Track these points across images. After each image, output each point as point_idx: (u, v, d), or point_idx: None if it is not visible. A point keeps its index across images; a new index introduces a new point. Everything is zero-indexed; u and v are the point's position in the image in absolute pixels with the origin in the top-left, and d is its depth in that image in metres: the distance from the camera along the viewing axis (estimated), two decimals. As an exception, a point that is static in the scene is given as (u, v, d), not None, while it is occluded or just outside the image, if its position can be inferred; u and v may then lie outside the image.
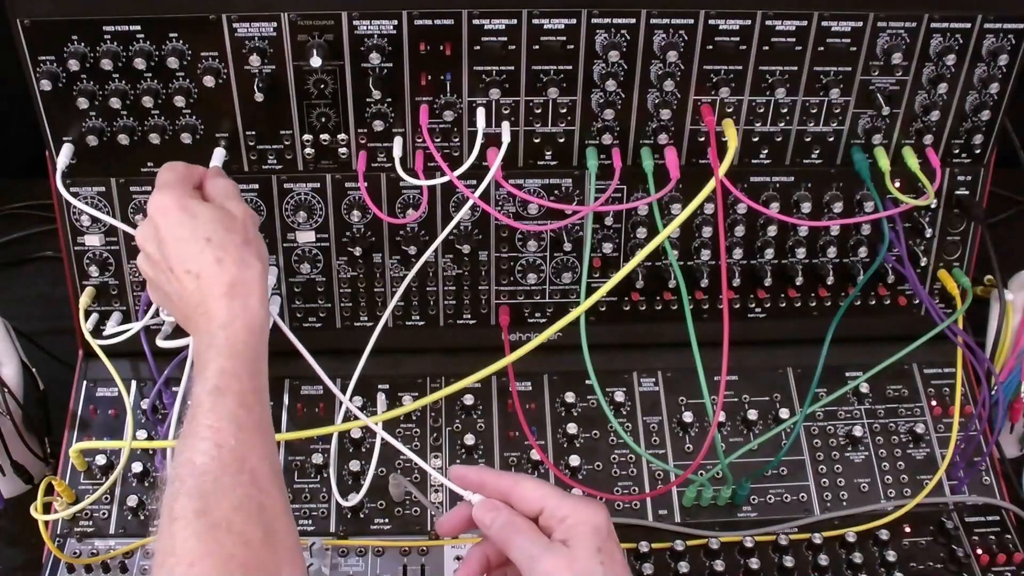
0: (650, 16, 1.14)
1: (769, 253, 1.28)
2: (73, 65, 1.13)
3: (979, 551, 1.20)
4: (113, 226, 1.23)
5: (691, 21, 1.15)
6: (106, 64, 1.13)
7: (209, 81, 1.14)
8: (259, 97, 1.16)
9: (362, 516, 1.21)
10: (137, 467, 1.21)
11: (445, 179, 1.18)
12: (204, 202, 1.03)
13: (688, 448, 1.27)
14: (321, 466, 1.23)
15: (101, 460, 1.22)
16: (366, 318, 1.31)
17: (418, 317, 1.32)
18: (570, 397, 1.28)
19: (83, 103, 1.15)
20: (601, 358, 1.19)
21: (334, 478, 1.22)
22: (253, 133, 1.20)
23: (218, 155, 1.18)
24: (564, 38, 1.15)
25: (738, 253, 1.28)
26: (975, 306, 1.32)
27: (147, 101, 1.15)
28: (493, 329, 1.31)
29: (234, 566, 0.80)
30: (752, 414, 1.28)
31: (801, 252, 1.30)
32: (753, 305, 1.34)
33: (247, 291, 0.98)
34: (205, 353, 0.94)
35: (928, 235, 1.30)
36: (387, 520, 1.21)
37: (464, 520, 0.92)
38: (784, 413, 1.28)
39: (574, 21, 1.15)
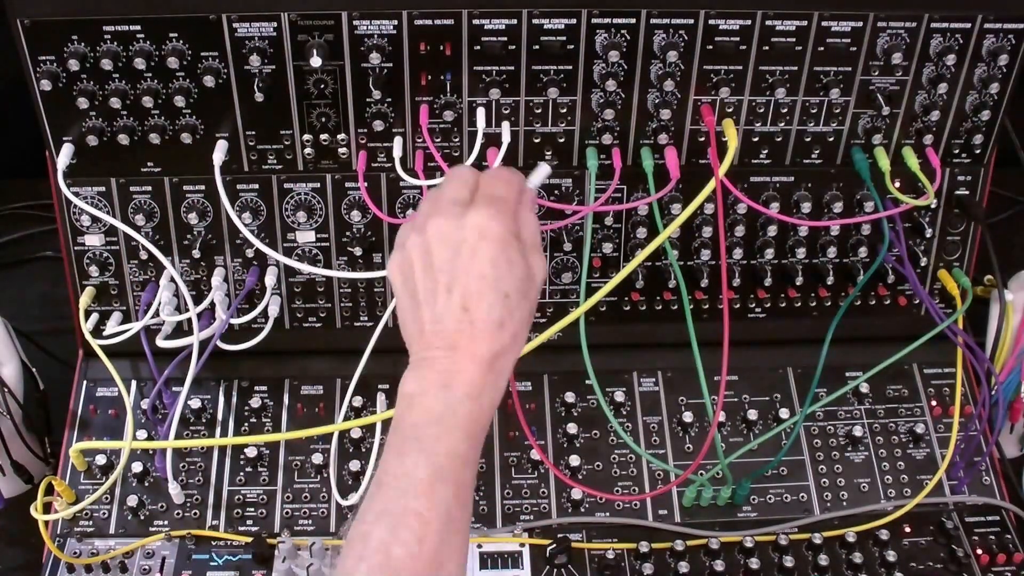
0: (650, 16, 1.14)
1: (769, 253, 1.28)
2: (73, 65, 1.13)
3: (979, 551, 1.20)
4: (113, 226, 1.23)
5: (691, 21, 1.15)
6: (106, 64, 1.13)
7: (209, 81, 1.14)
8: (259, 97, 1.16)
9: (362, 516, 1.21)
10: (137, 467, 1.21)
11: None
12: (521, 249, 0.88)
13: (688, 448, 1.27)
14: (321, 466, 1.23)
15: (101, 460, 1.22)
16: (366, 318, 1.31)
17: (418, 317, 1.31)
18: (570, 397, 1.28)
19: (83, 103, 1.15)
20: (601, 358, 1.19)
21: (334, 478, 1.22)
22: (253, 133, 1.20)
23: (220, 149, 1.18)
24: (564, 38, 1.15)
25: (738, 253, 1.28)
26: (975, 306, 1.32)
27: (147, 101, 1.15)
28: (493, 329, 1.31)
29: None
30: (752, 414, 1.28)
31: (801, 252, 1.30)
32: (753, 305, 1.34)
33: (504, 369, 0.86)
34: (442, 416, 0.83)
35: (928, 235, 1.30)
36: (387, 520, 1.21)
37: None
38: (784, 413, 1.28)
39: (574, 21, 1.15)
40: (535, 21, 1.14)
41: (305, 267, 1.25)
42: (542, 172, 1.01)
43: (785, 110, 1.22)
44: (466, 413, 0.83)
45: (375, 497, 0.81)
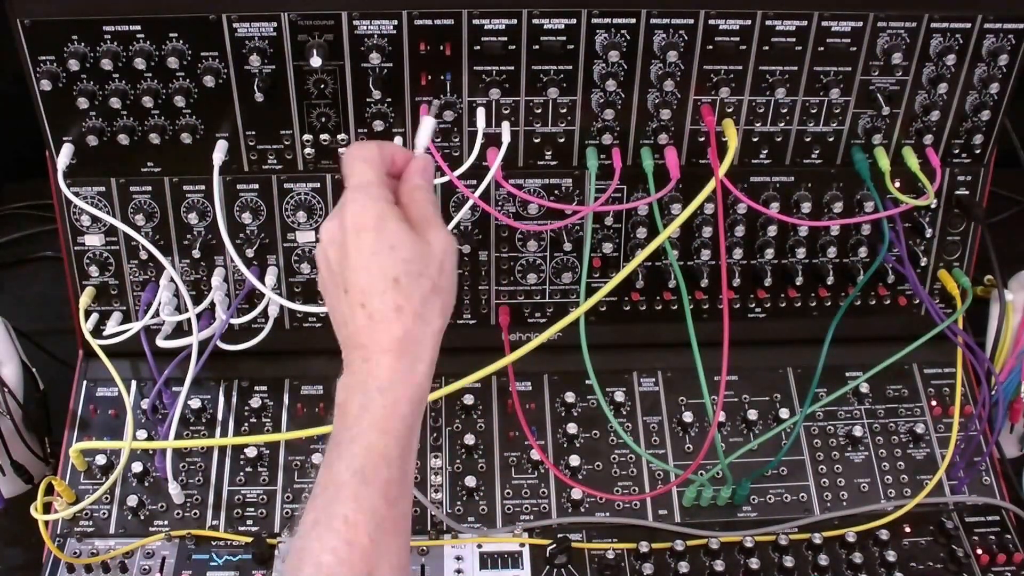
0: (650, 16, 1.14)
1: (769, 253, 1.28)
2: (73, 65, 1.13)
3: (979, 551, 1.20)
4: (113, 226, 1.23)
5: (691, 21, 1.15)
6: (106, 64, 1.13)
7: (209, 81, 1.14)
8: (259, 97, 1.16)
9: (362, 516, 1.21)
10: (137, 467, 1.21)
11: (445, 179, 1.18)
12: (405, 227, 0.86)
13: (688, 448, 1.27)
14: (321, 466, 1.23)
15: (101, 460, 1.22)
16: (366, 318, 1.31)
17: (418, 317, 1.31)
18: (570, 397, 1.28)
19: (83, 103, 1.15)
20: (601, 358, 1.19)
21: (334, 478, 1.22)
22: (253, 133, 1.20)
23: (220, 149, 1.18)
24: (564, 38, 1.15)
25: (738, 253, 1.28)
26: (975, 306, 1.32)
27: (147, 101, 1.15)
28: (493, 329, 1.31)
29: None
30: (752, 414, 1.28)
31: (801, 252, 1.30)
32: (753, 305, 1.34)
33: (417, 352, 0.85)
34: (357, 416, 0.83)
35: (928, 235, 1.30)
36: (387, 520, 1.21)
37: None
38: (784, 413, 1.28)
39: (574, 21, 1.15)
40: (535, 21, 1.14)
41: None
42: (426, 128, 0.95)
43: (785, 110, 1.22)
44: (379, 409, 0.83)
45: (308, 510, 0.81)
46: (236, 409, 1.28)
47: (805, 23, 1.16)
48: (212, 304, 1.26)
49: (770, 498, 1.25)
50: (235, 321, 1.26)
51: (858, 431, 1.28)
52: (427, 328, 0.86)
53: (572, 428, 1.26)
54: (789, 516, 1.23)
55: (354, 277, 0.85)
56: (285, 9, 1.12)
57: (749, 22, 1.16)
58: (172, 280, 1.25)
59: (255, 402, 1.27)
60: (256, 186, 1.24)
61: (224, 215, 1.21)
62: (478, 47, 1.15)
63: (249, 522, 1.21)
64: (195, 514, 1.21)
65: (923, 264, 1.32)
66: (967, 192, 1.30)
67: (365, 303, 0.85)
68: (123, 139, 1.18)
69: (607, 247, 1.27)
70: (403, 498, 0.82)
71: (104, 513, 1.21)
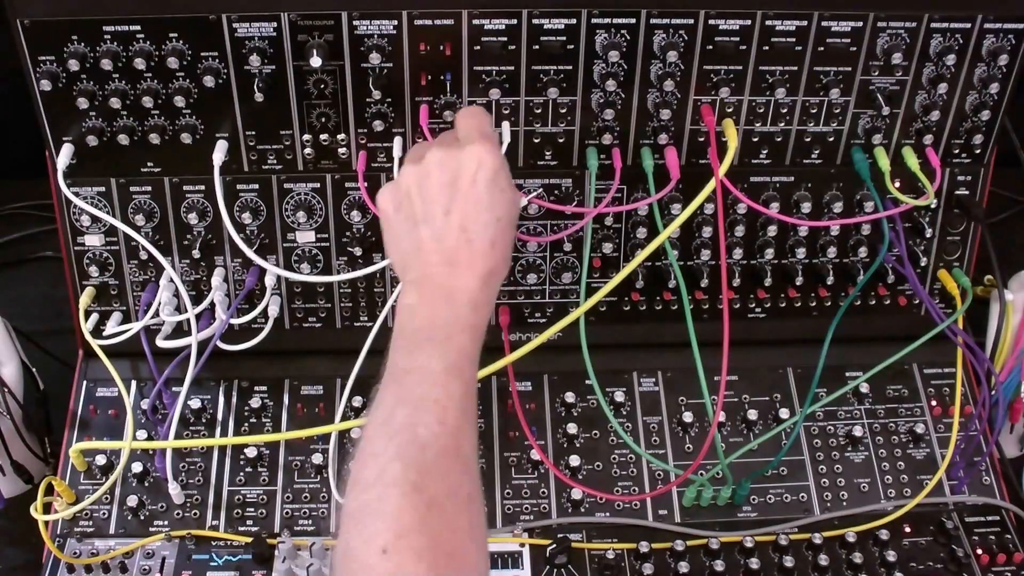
0: (650, 16, 1.14)
1: (769, 253, 1.28)
2: (73, 65, 1.13)
3: (979, 551, 1.20)
4: (113, 226, 1.23)
5: (691, 21, 1.15)
6: (106, 64, 1.13)
7: (209, 81, 1.14)
8: (259, 97, 1.16)
9: (362, 516, 1.21)
10: (137, 467, 1.21)
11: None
12: (512, 183, 0.98)
13: (688, 448, 1.28)
14: (321, 466, 1.23)
15: (101, 460, 1.22)
16: (366, 318, 1.31)
17: (418, 317, 1.31)
18: (570, 397, 1.28)
19: (83, 103, 1.15)
20: (601, 358, 1.19)
21: (334, 478, 1.22)
22: (253, 133, 1.20)
23: (220, 149, 1.18)
24: (564, 38, 1.15)
25: (738, 253, 1.28)
26: (975, 306, 1.32)
27: (147, 101, 1.15)
28: (493, 329, 1.31)
29: (440, 551, 0.77)
30: (752, 414, 1.28)
31: (801, 252, 1.30)
32: (753, 305, 1.34)
33: (495, 288, 0.95)
34: (448, 324, 0.90)
35: (928, 235, 1.30)
36: (387, 520, 1.21)
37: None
38: (784, 413, 1.28)
39: (574, 21, 1.15)
40: (535, 21, 1.14)
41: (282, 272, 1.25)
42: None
43: (785, 110, 1.22)
44: (469, 320, 0.91)
45: (388, 389, 0.87)
46: (236, 409, 1.28)
47: (805, 23, 1.16)
48: (212, 304, 1.26)
49: (770, 498, 1.25)
50: (235, 321, 1.26)
51: (858, 431, 1.28)
52: (504, 269, 0.97)
53: (572, 428, 1.26)
54: (789, 516, 1.23)
55: (463, 203, 0.94)
56: (285, 9, 1.12)
57: (749, 22, 1.16)
58: (172, 280, 1.25)
59: (255, 402, 1.27)
60: (256, 186, 1.24)
61: (227, 215, 1.21)
62: (478, 47, 1.15)
63: (249, 522, 1.21)
64: (195, 514, 1.21)
65: (923, 264, 1.32)
66: (967, 192, 1.30)
67: (467, 228, 0.93)
68: (123, 139, 1.18)
69: (607, 247, 1.27)
70: (473, 397, 0.90)
71: (104, 513, 1.21)
